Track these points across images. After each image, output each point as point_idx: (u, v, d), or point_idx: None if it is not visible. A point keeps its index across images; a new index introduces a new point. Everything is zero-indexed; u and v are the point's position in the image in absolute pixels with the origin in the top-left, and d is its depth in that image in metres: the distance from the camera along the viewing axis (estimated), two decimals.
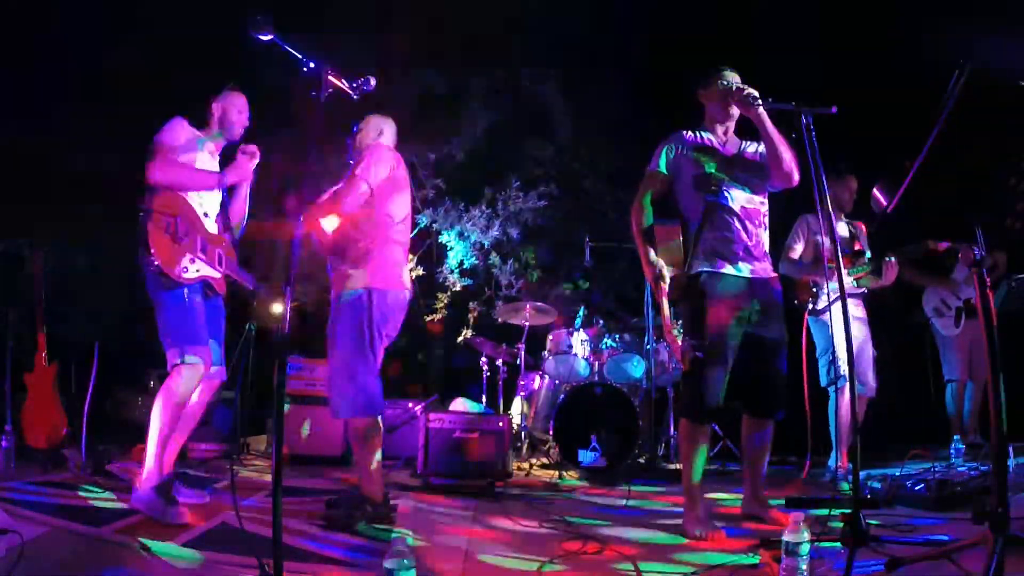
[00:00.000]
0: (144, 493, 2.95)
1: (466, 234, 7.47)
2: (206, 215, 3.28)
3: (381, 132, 3.44)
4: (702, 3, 6.33)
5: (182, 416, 3.17)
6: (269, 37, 2.39)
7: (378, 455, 3.18)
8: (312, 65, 2.45)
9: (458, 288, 7.49)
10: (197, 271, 3.15)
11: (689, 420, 3.17)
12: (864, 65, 5.36)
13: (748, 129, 3.21)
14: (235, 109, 3.38)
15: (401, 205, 3.30)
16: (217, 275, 3.29)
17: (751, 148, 3.29)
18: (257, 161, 3.40)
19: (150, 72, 5.20)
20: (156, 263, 2.99)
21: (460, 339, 6.03)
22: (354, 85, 2.76)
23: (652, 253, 3.15)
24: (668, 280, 3.11)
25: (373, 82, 2.82)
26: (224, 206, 3.42)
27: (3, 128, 4.80)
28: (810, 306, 4.39)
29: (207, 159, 3.32)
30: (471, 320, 7.41)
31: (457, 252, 7.50)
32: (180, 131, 3.24)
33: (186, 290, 3.10)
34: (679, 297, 3.16)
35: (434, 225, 7.40)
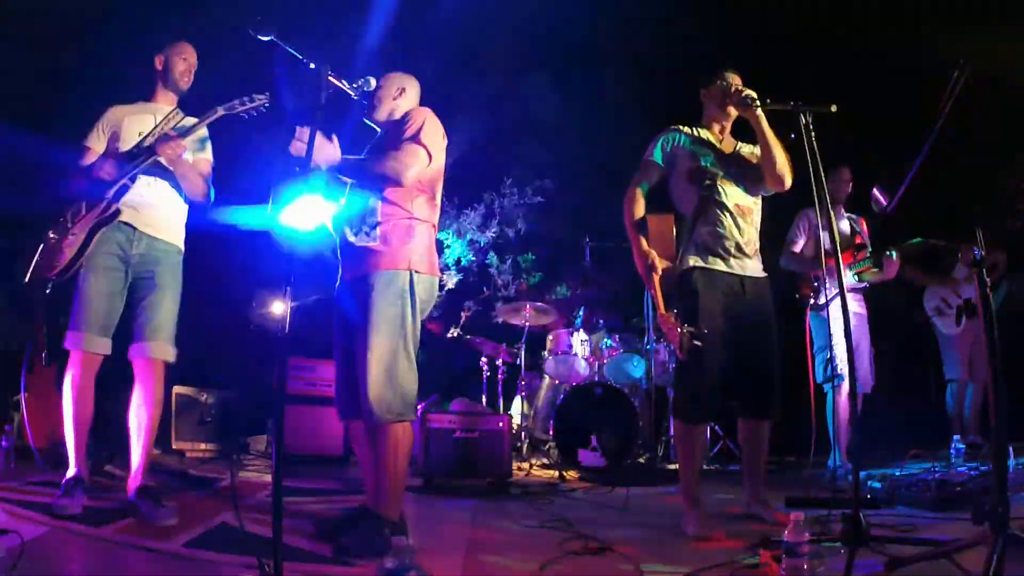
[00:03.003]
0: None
1: (463, 232, 7.46)
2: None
3: (403, 90, 2.95)
4: (703, 2, 6.33)
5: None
6: (269, 37, 2.38)
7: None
8: (312, 66, 2.44)
9: (451, 285, 7.46)
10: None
11: (683, 421, 3.17)
12: (864, 64, 5.36)
13: (746, 132, 3.21)
14: (179, 58, 3.19)
15: (440, 182, 2.93)
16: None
17: (746, 149, 3.30)
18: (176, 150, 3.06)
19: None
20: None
21: (450, 334, 5.99)
22: (355, 86, 2.76)
23: (644, 243, 3.11)
24: (660, 271, 3.06)
25: (374, 83, 2.82)
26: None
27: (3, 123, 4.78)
28: (811, 301, 4.39)
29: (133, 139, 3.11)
30: (462, 318, 7.40)
31: (454, 249, 7.48)
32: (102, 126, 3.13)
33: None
34: (671, 292, 3.12)
35: None
